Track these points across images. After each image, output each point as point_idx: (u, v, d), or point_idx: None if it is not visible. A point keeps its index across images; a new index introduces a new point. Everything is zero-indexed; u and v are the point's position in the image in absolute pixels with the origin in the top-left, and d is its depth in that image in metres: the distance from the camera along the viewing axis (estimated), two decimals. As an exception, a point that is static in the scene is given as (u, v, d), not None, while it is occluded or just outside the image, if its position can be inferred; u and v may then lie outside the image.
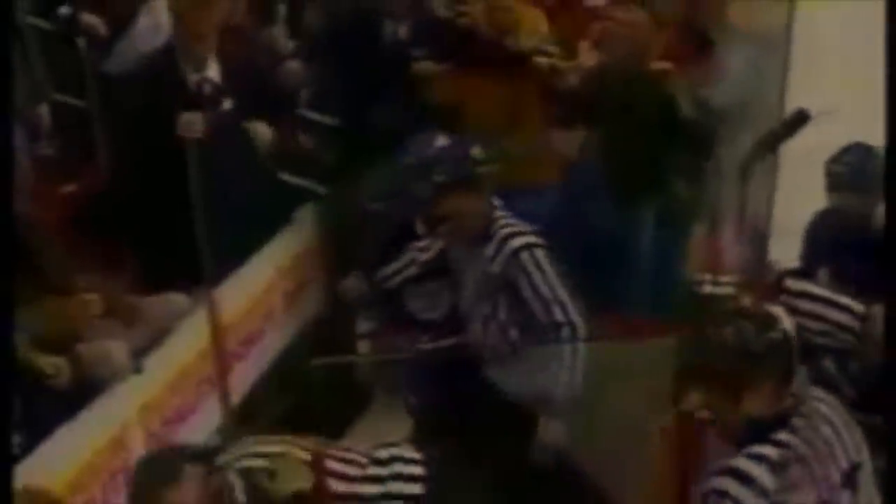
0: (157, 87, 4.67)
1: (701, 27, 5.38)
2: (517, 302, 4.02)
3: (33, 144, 4.68)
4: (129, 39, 5.00)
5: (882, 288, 3.89)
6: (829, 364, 3.87)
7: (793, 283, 3.89)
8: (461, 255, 4.21)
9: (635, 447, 4.13)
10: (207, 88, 4.71)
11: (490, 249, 4.04)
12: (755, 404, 2.93)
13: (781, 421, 2.91)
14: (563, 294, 3.99)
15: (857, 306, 3.71)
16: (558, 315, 3.98)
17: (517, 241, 4.02)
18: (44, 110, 4.87)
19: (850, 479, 3.00)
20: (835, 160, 4.45)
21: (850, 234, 4.43)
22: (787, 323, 3.04)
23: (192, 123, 4.31)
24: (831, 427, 2.99)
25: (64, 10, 4.93)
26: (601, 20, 5.48)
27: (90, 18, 4.91)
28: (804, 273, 4.24)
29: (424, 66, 5.25)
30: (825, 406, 3.04)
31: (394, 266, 4.40)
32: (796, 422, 2.93)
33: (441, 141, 4.21)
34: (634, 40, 4.99)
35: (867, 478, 3.06)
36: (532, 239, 4.05)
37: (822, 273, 4.33)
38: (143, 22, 5.01)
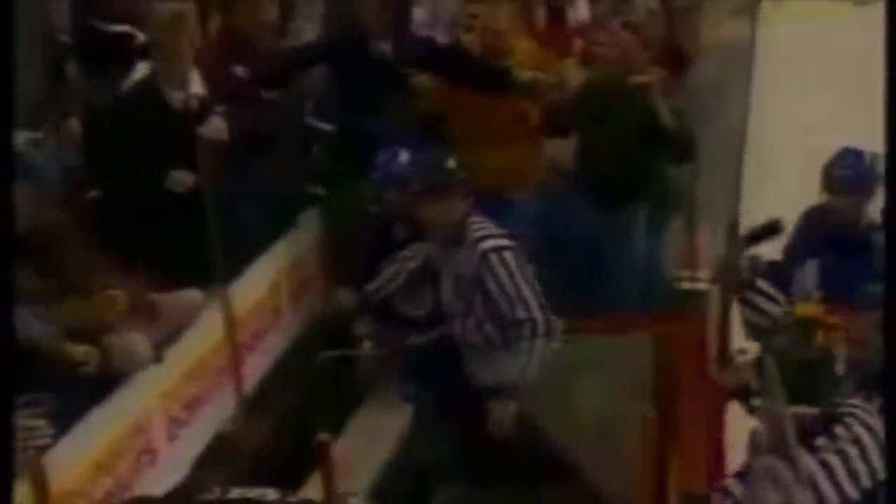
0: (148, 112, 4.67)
1: (678, 45, 5.57)
2: (489, 300, 4.17)
3: (63, 154, 4.74)
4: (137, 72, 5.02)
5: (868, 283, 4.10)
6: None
7: (760, 283, 4.21)
8: (439, 257, 4.37)
9: (618, 435, 4.24)
10: (194, 104, 4.77)
11: (464, 252, 4.21)
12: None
13: (824, 425, 3.16)
14: (528, 292, 4.15)
15: (783, 301, 4.07)
16: (521, 312, 4.13)
17: (487, 244, 4.18)
18: (74, 124, 4.92)
19: (871, 498, 3.12)
20: (833, 164, 4.57)
21: (839, 231, 4.56)
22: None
23: (182, 179, 4.44)
24: (864, 441, 3.15)
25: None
26: (587, 38, 5.63)
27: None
28: (783, 267, 4.48)
29: (420, 81, 5.28)
30: (865, 421, 3.20)
31: (382, 279, 4.56)
32: (838, 429, 3.16)
33: (404, 156, 4.47)
34: (622, 60, 5.08)
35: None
36: (501, 241, 4.21)
37: (811, 265, 4.50)
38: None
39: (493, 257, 4.15)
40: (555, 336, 4.14)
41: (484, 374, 4.20)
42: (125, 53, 5.08)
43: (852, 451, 3.18)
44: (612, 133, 5.04)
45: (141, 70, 4.95)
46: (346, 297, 4.71)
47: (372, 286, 4.58)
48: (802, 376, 3.47)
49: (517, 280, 4.14)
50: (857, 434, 3.21)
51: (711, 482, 3.90)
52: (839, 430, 3.21)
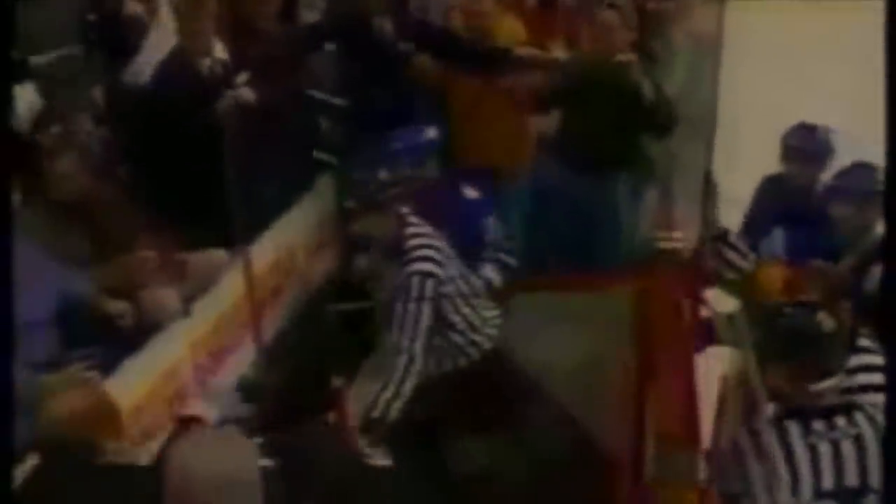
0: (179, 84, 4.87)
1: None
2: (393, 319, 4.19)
3: (97, 128, 4.94)
4: (144, 52, 5.22)
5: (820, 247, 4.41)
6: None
7: (731, 237, 4.38)
8: (378, 265, 4.44)
9: (601, 381, 4.42)
10: (219, 69, 4.97)
11: (398, 264, 4.25)
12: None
13: (827, 411, 3.16)
14: (421, 329, 4.15)
15: (752, 255, 4.26)
16: (404, 343, 4.16)
17: (413, 267, 4.20)
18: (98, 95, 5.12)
19: (851, 496, 3.13)
20: (788, 136, 4.98)
21: (795, 198, 4.94)
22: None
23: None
24: (865, 440, 3.15)
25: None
26: (574, 20, 5.78)
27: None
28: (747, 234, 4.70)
29: (421, 61, 5.42)
30: (873, 418, 3.21)
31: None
32: (839, 420, 3.17)
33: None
34: (607, 40, 5.23)
35: None
36: (426, 267, 4.21)
37: (777, 232, 4.83)
38: (153, 36, 5.24)
39: (414, 281, 4.17)
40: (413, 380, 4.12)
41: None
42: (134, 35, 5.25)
43: (847, 446, 3.17)
44: (595, 109, 5.19)
45: (149, 48, 5.13)
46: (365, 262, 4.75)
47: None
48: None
49: (419, 314, 4.15)
50: (860, 431, 3.21)
51: (685, 425, 4.07)
52: (841, 421, 3.20)
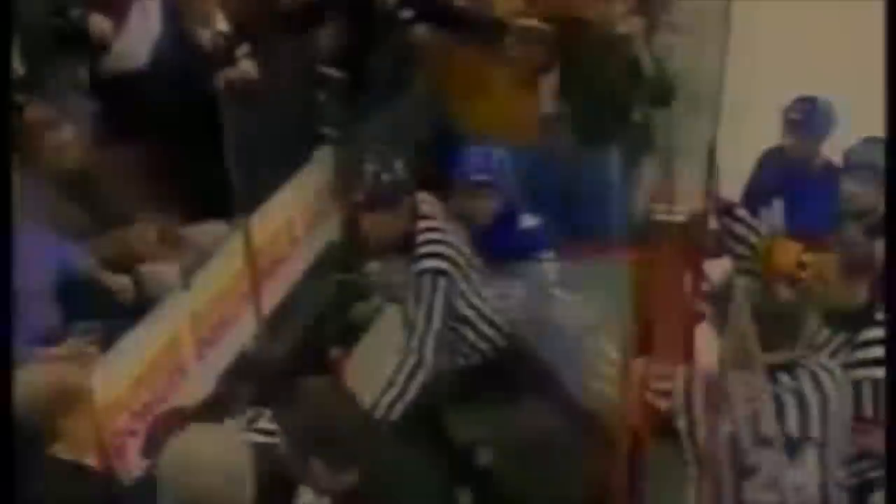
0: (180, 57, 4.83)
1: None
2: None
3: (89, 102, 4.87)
4: (125, 36, 5.03)
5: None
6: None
7: (737, 210, 4.38)
8: (386, 263, 4.31)
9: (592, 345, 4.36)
10: (220, 41, 4.94)
11: (408, 260, 4.08)
12: None
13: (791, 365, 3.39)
14: (433, 329, 3.98)
15: (763, 230, 4.27)
16: (414, 343, 3.99)
17: (424, 264, 4.02)
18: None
19: (793, 447, 3.37)
20: (790, 108, 4.94)
21: (796, 170, 4.92)
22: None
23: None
24: (802, 393, 3.38)
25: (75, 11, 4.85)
26: None
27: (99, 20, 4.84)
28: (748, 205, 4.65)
29: (419, 32, 5.41)
30: (827, 375, 3.47)
31: None
32: (800, 372, 3.40)
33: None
34: (605, 10, 5.22)
35: (814, 457, 3.40)
36: (437, 264, 4.03)
37: (777, 203, 4.84)
38: (135, 20, 5.04)
39: (425, 280, 4.00)
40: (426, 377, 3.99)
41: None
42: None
43: (788, 399, 3.42)
44: (592, 81, 5.19)
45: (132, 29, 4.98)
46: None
47: None
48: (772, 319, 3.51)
49: (431, 313, 3.99)
50: (800, 387, 3.44)
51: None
52: (783, 377, 3.45)
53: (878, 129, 4.09)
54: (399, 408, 3.95)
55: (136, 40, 4.99)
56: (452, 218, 4.27)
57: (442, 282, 4.03)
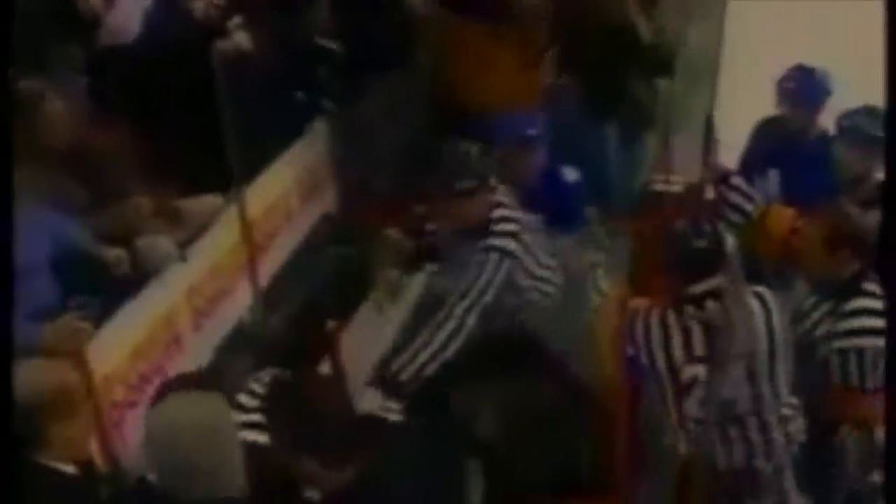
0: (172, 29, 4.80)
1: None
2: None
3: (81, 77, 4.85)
4: (117, 11, 5.12)
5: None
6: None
7: (734, 179, 4.39)
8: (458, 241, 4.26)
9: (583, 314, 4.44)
10: (213, 11, 4.91)
11: (480, 238, 4.14)
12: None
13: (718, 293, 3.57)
14: (483, 302, 4.03)
15: (759, 198, 4.29)
16: (459, 311, 4.04)
17: (494, 241, 4.09)
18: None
19: (721, 364, 3.56)
20: (785, 78, 4.95)
21: (791, 141, 4.92)
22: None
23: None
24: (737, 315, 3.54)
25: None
26: None
27: None
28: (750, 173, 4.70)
29: (419, 6, 5.39)
30: (752, 301, 3.66)
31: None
32: (728, 299, 3.53)
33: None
34: None
35: (763, 367, 3.65)
36: (506, 244, 4.09)
37: (772, 173, 4.86)
38: None
39: (493, 256, 4.07)
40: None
41: None
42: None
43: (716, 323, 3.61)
44: (592, 51, 5.18)
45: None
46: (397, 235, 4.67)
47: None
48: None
49: (488, 287, 4.05)
50: (727, 311, 3.58)
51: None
52: (710, 304, 3.64)
53: (877, 98, 4.10)
54: (430, 370, 4.00)
55: (128, 14, 4.98)
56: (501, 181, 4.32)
57: (507, 263, 4.11)
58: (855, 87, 4.75)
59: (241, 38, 4.94)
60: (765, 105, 5.07)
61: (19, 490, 2.72)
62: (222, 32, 4.93)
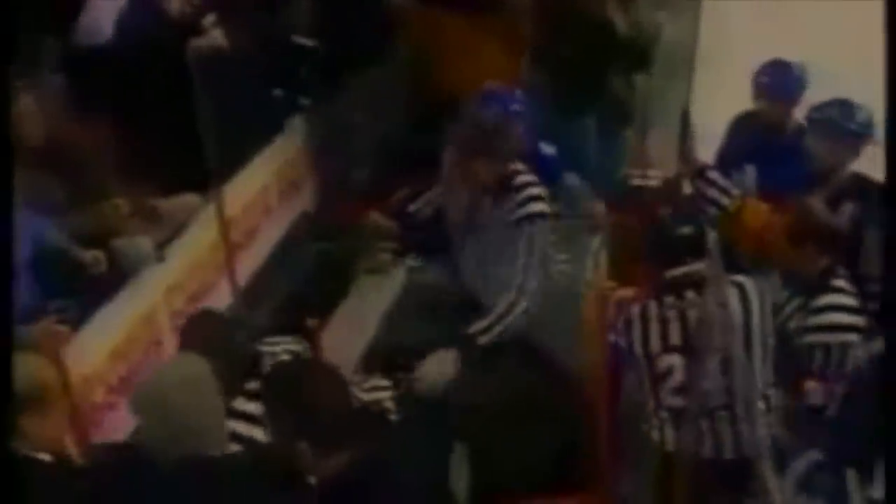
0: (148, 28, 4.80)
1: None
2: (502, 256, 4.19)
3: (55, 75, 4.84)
4: (91, 10, 5.06)
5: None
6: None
7: (710, 173, 4.41)
8: (478, 202, 4.31)
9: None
10: (188, 9, 4.90)
11: (509, 203, 4.19)
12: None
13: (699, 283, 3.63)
14: (534, 268, 4.14)
15: (735, 192, 4.32)
16: (518, 279, 4.14)
17: (529, 208, 4.16)
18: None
19: (694, 353, 3.63)
20: (761, 72, 4.95)
21: (768, 135, 4.92)
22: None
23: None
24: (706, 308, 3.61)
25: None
26: None
27: None
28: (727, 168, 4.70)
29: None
30: (732, 293, 3.67)
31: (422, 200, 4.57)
32: (707, 289, 3.61)
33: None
34: None
35: (715, 364, 3.66)
36: (540, 207, 4.18)
37: (750, 168, 4.80)
38: None
39: (526, 227, 4.16)
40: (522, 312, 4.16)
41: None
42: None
43: (692, 314, 3.68)
44: (569, 45, 5.17)
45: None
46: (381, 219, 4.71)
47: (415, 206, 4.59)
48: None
49: (532, 256, 4.15)
50: (704, 302, 3.66)
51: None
52: (689, 294, 3.70)
53: (853, 92, 4.11)
54: (497, 330, 4.11)
55: (103, 13, 4.95)
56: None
57: (542, 224, 4.20)
58: (830, 80, 4.76)
59: (217, 36, 4.92)
60: (742, 100, 5.07)
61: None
62: (198, 30, 4.91)
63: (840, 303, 3.89)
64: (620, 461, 4.07)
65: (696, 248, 3.72)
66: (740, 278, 3.79)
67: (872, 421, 3.04)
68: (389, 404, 4.07)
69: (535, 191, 4.23)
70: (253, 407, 3.42)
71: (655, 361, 3.76)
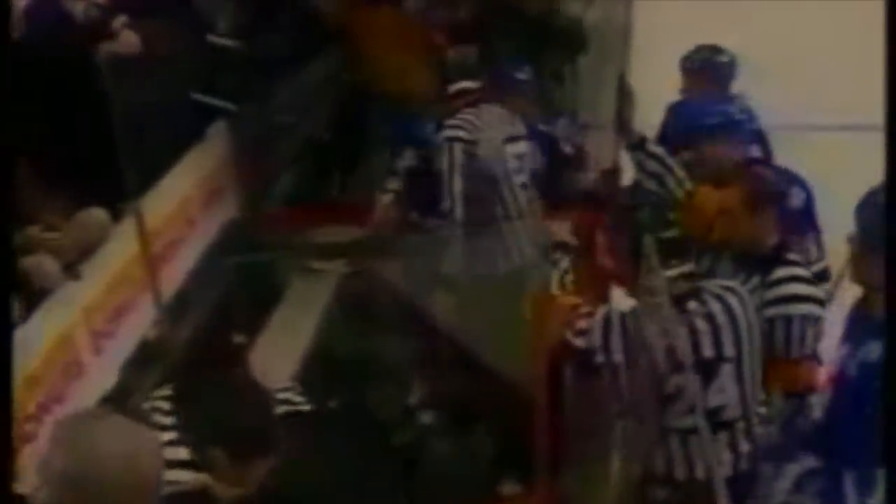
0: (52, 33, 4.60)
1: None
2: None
3: None
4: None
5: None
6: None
7: (651, 146, 4.26)
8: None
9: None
10: (94, 12, 4.72)
11: None
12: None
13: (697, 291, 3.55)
14: (458, 188, 4.44)
15: (679, 172, 4.20)
16: (446, 204, 4.40)
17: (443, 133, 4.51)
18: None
19: (707, 367, 3.53)
20: (688, 58, 4.93)
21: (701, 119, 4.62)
22: None
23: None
24: (712, 315, 3.54)
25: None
26: None
27: None
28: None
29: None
30: (714, 296, 3.59)
31: None
32: (707, 296, 3.55)
33: None
34: None
35: (728, 375, 3.57)
36: (456, 133, 4.50)
37: (686, 153, 4.51)
38: None
39: (444, 146, 4.47)
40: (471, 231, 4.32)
41: None
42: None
43: (700, 324, 3.56)
44: (511, 38, 5.15)
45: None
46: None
47: None
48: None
49: (453, 173, 4.38)
50: (710, 310, 3.57)
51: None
52: (692, 304, 3.58)
53: (780, 81, 4.06)
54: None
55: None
56: None
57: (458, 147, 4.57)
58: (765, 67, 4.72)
59: (128, 39, 4.73)
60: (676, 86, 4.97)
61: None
62: (108, 33, 4.72)
63: (796, 273, 3.82)
64: (562, 462, 4.02)
65: (679, 251, 3.64)
66: (730, 283, 3.70)
67: (869, 427, 2.96)
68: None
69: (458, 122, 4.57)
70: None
71: (664, 383, 3.56)
